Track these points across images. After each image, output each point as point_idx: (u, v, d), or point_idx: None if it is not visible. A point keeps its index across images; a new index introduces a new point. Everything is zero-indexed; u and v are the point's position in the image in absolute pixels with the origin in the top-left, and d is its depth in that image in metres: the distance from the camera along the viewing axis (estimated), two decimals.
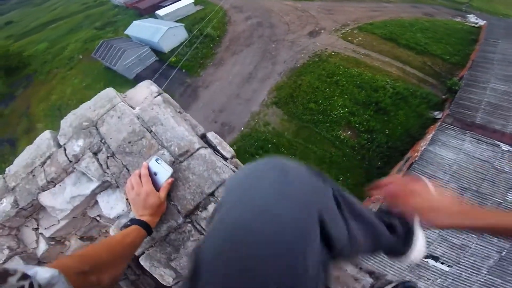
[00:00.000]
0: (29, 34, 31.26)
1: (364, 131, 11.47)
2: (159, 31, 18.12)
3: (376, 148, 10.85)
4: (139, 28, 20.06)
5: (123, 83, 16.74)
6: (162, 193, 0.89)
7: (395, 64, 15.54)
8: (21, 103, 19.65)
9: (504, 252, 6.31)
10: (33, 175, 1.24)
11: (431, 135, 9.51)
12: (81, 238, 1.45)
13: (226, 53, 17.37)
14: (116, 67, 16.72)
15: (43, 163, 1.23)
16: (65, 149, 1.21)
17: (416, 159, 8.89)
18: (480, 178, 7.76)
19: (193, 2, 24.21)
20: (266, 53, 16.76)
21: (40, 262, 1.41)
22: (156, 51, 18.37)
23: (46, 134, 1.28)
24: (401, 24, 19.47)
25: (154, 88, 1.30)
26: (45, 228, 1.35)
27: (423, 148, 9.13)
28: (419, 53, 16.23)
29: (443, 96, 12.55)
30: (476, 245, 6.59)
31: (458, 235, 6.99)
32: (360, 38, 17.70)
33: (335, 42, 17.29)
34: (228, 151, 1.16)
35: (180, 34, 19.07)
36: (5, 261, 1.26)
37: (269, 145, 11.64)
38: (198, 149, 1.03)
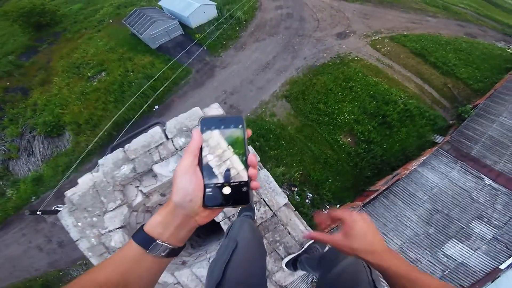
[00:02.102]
0: None
1: (364, 140, 12.19)
2: (191, 6, 19.03)
3: (371, 159, 11.63)
4: (172, 1, 20.88)
5: (145, 51, 17.83)
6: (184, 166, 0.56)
7: (415, 80, 15.91)
8: (42, 57, 20.40)
9: (447, 271, 7.44)
10: (150, 153, 2.02)
11: (424, 157, 10.29)
12: (161, 194, 2.17)
13: (250, 39, 18.09)
14: (143, 35, 17.72)
15: (157, 147, 2.02)
16: (172, 141, 2.02)
17: (403, 176, 9.82)
18: (454, 204, 8.71)
19: None
20: (289, 46, 17.28)
21: (133, 211, 2.06)
22: (183, 25, 19.36)
23: (157, 128, 2.08)
24: (436, 41, 19.44)
25: (221, 110, 2.16)
26: (145, 186, 2.05)
27: (413, 168, 9.97)
28: (443, 74, 16.38)
29: (450, 122, 13.05)
30: (427, 261, 7.68)
31: (415, 250, 8.09)
32: (388, 48, 17.99)
33: (361, 48, 17.68)
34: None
35: (210, 12, 19.92)
36: (116, 208, 1.92)
37: (271, 136, 12.55)
38: None
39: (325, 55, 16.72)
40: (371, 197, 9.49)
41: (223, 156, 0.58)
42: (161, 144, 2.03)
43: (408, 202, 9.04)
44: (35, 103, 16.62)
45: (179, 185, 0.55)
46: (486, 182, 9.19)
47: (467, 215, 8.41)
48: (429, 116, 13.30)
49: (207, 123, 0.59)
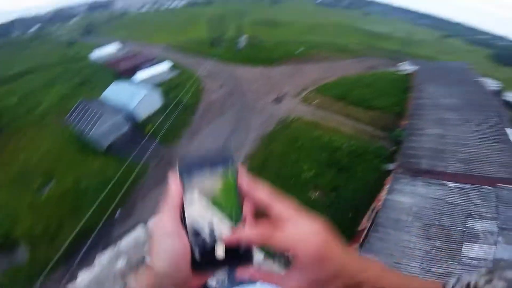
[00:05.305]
0: (2, 84, 29.23)
1: (331, 190, 12.39)
2: (136, 97, 18.33)
3: (344, 203, 11.70)
4: (116, 92, 20.01)
5: (95, 152, 15.93)
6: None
7: (348, 122, 17.39)
8: None
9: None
10: (140, 248, 2.25)
11: (388, 185, 10.59)
12: None
13: (202, 122, 18.14)
14: (90, 134, 16.19)
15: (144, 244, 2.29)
16: None
17: (380, 208, 9.73)
18: (438, 214, 8.71)
19: (169, 68, 25.51)
20: (239, 121, 17.78)
21: None
22: (131, 117, 18.32)
23: (141, 228, 2.40)
24: (349, 82, 22.12)
25: None
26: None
27: (384, 198, 10.04)
28: (366, 109, 18.29)
29: (392, 149, 14.14)
30: (459, 270, 7.23)
31: (437, 265, 7.49)
32: (317, 100, 19.84)
33: (296, 107, 19.23)
34: None
35: (156, 101, 19.43)
36: None
37: None
38: None
39: (270, 122, 17.64)
40: (363, 235, 9.17)
41: (211, 208, 0.43)
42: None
43: (398, 227, 8.80)
44: None
45: (159, 251, 0.41)
46: (450, 185, 9.66)
47: (458, 219, 8.42)
48: (373, 150, 14.38)
49: (187, 167, 0.45)
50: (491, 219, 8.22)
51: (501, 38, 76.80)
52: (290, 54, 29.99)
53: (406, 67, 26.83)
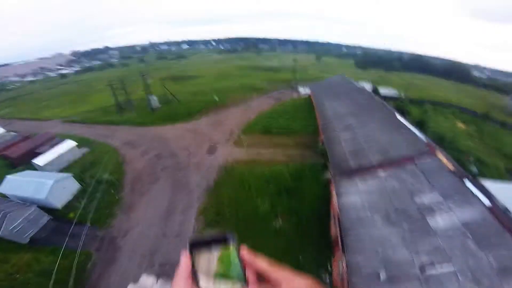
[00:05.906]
0: None
1: (290, 214, 12.92)
2: (44, 186, 15.68)
3: (307, 222, 12.28)
4: (16, 184, 16.66)
5: (18, 248, 13.40)
6: None
7: (279, 151, 18.81)
8: None
9: (468, 233, 7.53)
10: None
11: (334, 191, 11.58)
12: None
13: (134, 196, 16.32)
14: (1, 233, 13.52)
15: None
16: None
17: (339, 212, 10.28)
18: (388, 201, 9.51)
19: (76, 145, 22.11)
20: (177, 183, 16.76)
21: None
22: (47, 208, 15.58)
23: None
24: (267, 117, 24.20)
25: (152, 279, 2.60)
26: None
27: (337, 204, 10.79)
28: (288, 135, 20.29)
29: (322, 161, 16.01)
30: (442, 241, 7.55)
31: (422, 242, 7.65)
32: (247, 140, 20.85)
33: (231, 151, 19.62)
34: None
35: (70, 186, 16.99)
36: None
37: None
38: None
39: (211, 173, 17.36)
40: (340, 244, 9.43)
41: (219, 275, 0.53)
42: None
43: (364, 225, 9.23)
44: None
45: None
46: (381, 174, 10.96)
47: (406, 200, 9.18)
48: (309, 167, 15.97)
49: (195, 244, 0.58)
50: (431, 190, 9.26)
51: (357, 47, 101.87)
52: (208, 103, 30.84)
53: (303, 91, 31.48)
